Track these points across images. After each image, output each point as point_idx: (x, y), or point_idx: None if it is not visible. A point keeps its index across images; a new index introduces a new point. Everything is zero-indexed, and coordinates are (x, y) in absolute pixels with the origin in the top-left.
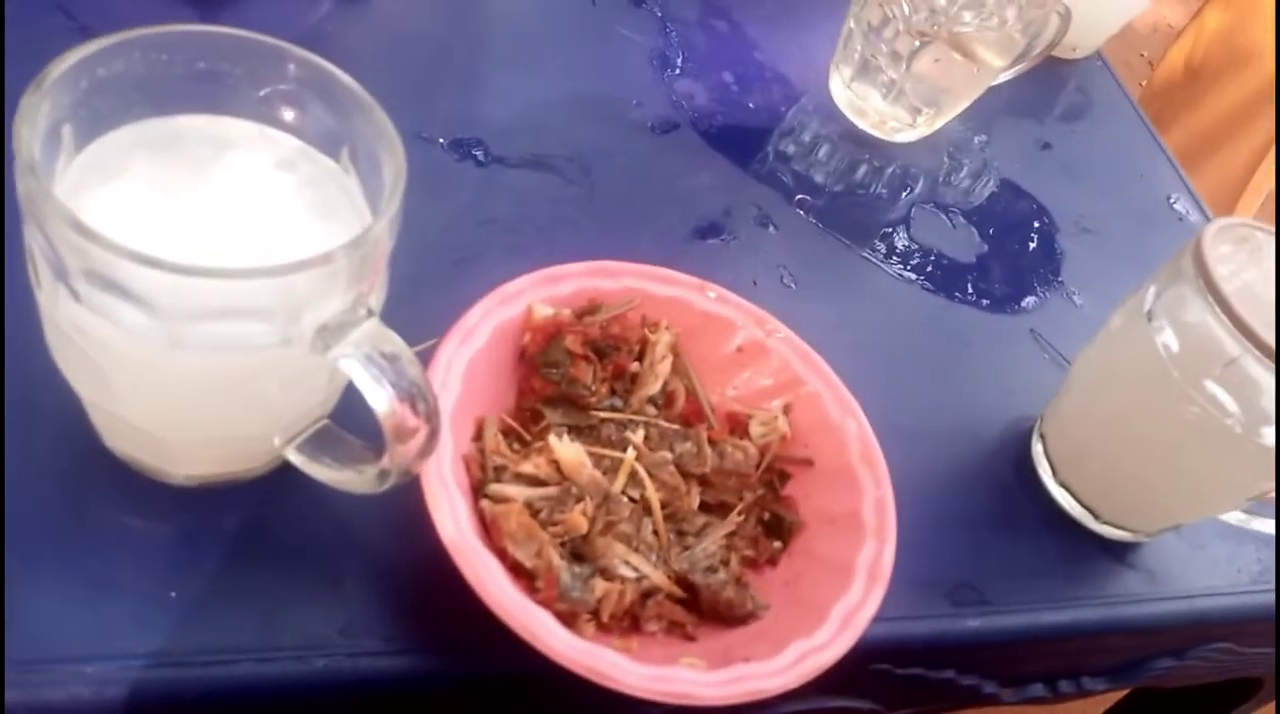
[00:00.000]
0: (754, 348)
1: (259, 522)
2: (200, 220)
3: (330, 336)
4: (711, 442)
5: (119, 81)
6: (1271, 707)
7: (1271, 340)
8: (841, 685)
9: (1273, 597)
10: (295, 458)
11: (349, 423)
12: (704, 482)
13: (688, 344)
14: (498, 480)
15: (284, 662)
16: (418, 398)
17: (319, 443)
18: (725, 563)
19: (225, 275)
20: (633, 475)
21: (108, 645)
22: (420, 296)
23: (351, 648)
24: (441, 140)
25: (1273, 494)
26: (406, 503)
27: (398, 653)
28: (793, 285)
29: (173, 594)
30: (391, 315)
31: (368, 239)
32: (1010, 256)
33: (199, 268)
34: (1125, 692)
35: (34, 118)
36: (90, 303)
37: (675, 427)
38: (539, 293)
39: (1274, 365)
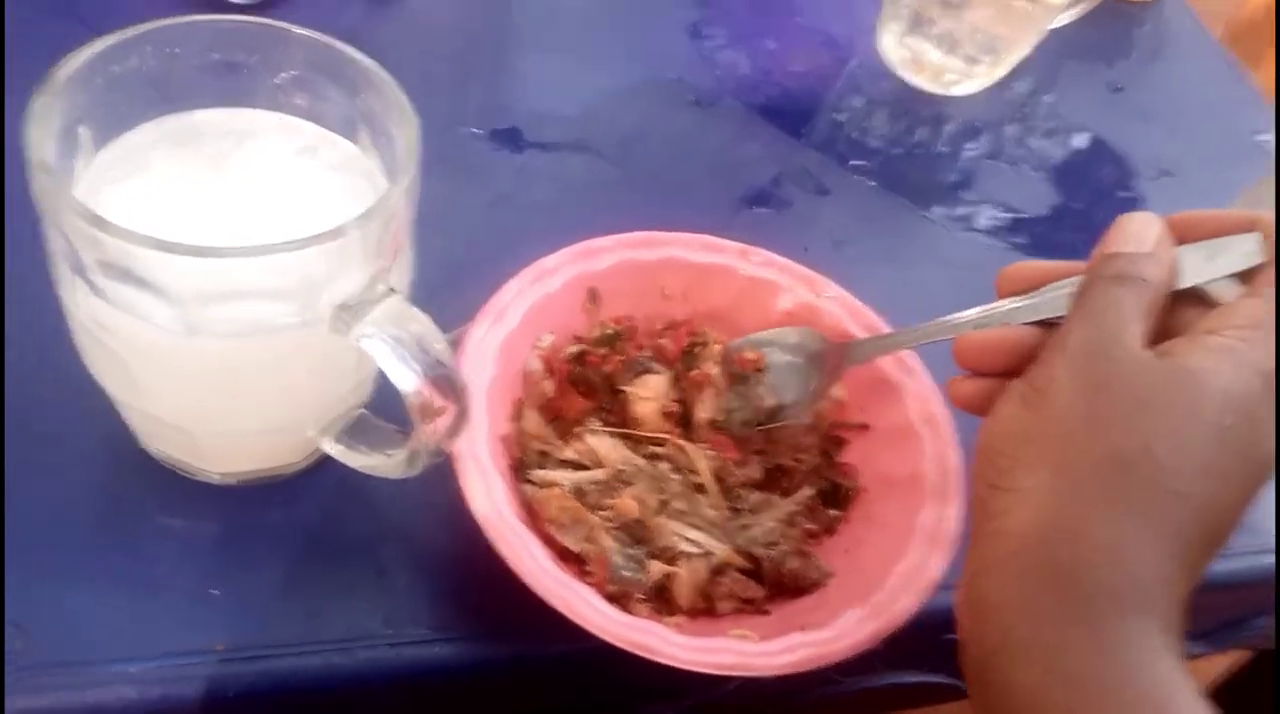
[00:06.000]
0: (804, 310)
1: (300, 517)
2: (221, 210)
3: (351, 316)
4: None
5: (133, 78)
6: None
7: None
8: (913, 658)
9: None
10: (332, 448)
11: (392, 412)
12: (758, 452)
13: (734, 311)
14: (541, 466)
15: (327, 654)
16: (444, 377)
17: (355, 432)
18: (786, 536)
19: (236, 253)
20: (674, 457)
21: (152, 645)
22: (459, 284)
23: (395, 637)
24: (476, 130)
25: None
26: (448, 492)
27: (442, 640)
28: (849, 249)
29: (215, 592)
30: (430, 303)
31: (381, 210)
32: (1084, 205)
33: (209, 248)
34: (1233, 660)
35: (46, 118)
36: (108, 295)
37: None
38: (575, 268)
39: None
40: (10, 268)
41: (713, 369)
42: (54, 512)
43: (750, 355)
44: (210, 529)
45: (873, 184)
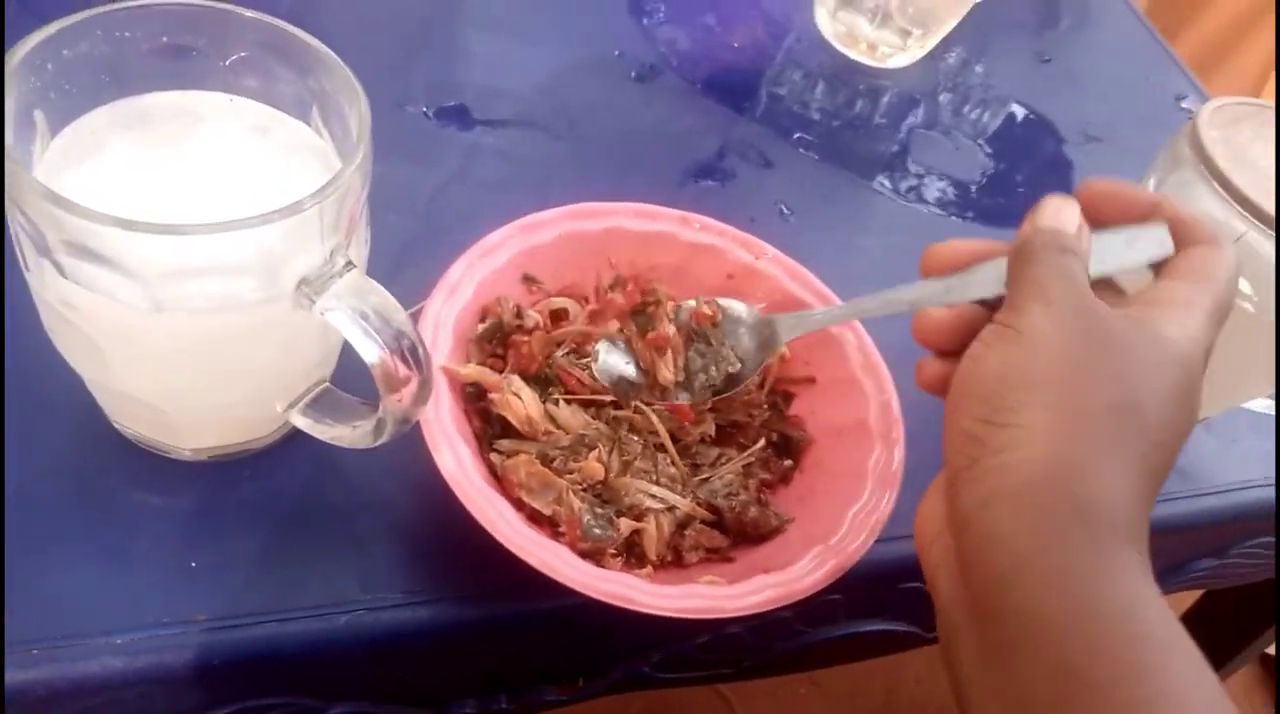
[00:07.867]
0: (744, 272)
1: (272, 490)
2: (178, 190)
3: (313, 290)
4: None
5: (86, 62)
6: None
7: (1273, 209)
8: (873, 608)
9: None
10: (300, 421)
11: (354, 385)
12: (712, 409)
13: (676, 278)
14: (506, 435)
15: (306, 620)
16: (407, 347)
17: (321, 405)
18: (745, 487)
19: (196, 231)
20: (634, 424)
21: (136, 617)
22: (417, 261)
23: (372, 602)
24: (424, 109)
25: None
26: (416, 460)
27: (418, 604)
28: (791, 217)
29: (193, 564)
30: (389, 280)
31: (337, 186)
32: (1017, 172)
33: (170, 226)
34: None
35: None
36: (74, 276)
37: None
38: (520, 242)
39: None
40: None
41: (669, 329)
42: (31, 493)
43: (707, 310)
44: (185, 504)
45: (815, 156)
